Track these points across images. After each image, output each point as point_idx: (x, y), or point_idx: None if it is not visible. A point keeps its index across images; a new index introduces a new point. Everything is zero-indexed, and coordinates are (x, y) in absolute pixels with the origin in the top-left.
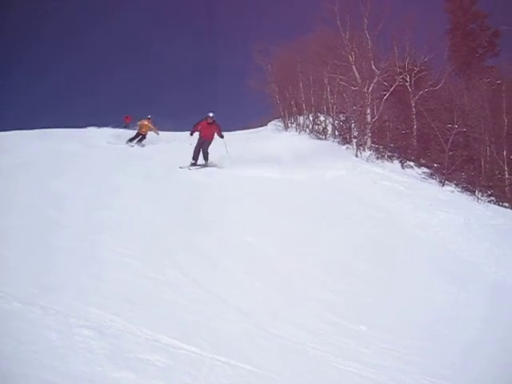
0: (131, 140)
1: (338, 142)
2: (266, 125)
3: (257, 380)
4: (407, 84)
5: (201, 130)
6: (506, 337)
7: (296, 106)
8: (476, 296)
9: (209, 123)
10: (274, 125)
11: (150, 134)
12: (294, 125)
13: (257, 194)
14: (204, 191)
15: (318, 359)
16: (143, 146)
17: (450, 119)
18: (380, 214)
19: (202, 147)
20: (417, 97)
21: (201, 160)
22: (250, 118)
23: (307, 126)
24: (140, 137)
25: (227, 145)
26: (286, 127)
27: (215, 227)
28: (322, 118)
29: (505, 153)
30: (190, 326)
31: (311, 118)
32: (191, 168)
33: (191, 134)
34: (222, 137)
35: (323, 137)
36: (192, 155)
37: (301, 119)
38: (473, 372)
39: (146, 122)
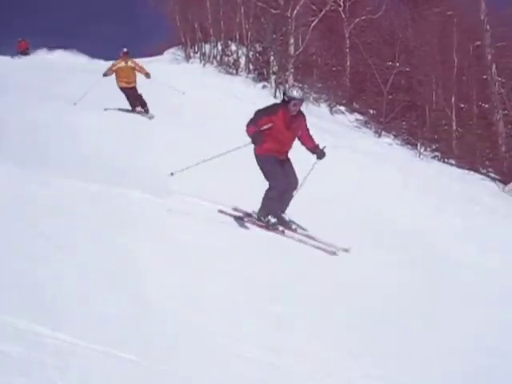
0: (133, 111)
1: (253, 79)
2: (162, 54)
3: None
4: (340, 9)
5: (273, 131)
6: None
7: (201, 31)
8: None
9: (292, 116)
10: (173, 54)
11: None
12: (198, 54)
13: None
14: None
15: None
16: (151, 116)
17: (391, 56)
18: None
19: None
20: (352, 26)
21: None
22: (143, 43)
23: (214, 57)
24: (136, 99)
25: None
26: (188, 57)
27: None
28: (233, 48)
29: (453, 99)
30: (59, 309)
31: (220, 47)
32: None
33: (255, 141)
34: (317, 149)
35: (234, 71)
36: (266, 203)
37: (207, 48)
38: None
39: (129, 63)
